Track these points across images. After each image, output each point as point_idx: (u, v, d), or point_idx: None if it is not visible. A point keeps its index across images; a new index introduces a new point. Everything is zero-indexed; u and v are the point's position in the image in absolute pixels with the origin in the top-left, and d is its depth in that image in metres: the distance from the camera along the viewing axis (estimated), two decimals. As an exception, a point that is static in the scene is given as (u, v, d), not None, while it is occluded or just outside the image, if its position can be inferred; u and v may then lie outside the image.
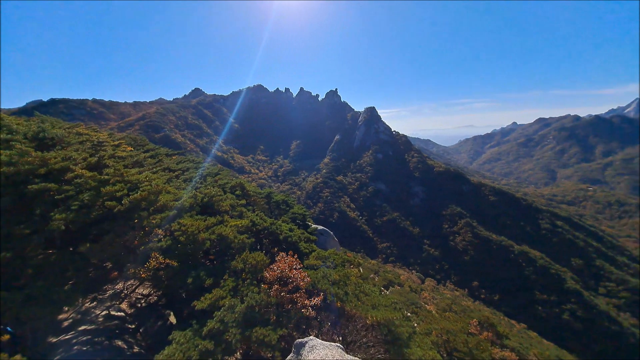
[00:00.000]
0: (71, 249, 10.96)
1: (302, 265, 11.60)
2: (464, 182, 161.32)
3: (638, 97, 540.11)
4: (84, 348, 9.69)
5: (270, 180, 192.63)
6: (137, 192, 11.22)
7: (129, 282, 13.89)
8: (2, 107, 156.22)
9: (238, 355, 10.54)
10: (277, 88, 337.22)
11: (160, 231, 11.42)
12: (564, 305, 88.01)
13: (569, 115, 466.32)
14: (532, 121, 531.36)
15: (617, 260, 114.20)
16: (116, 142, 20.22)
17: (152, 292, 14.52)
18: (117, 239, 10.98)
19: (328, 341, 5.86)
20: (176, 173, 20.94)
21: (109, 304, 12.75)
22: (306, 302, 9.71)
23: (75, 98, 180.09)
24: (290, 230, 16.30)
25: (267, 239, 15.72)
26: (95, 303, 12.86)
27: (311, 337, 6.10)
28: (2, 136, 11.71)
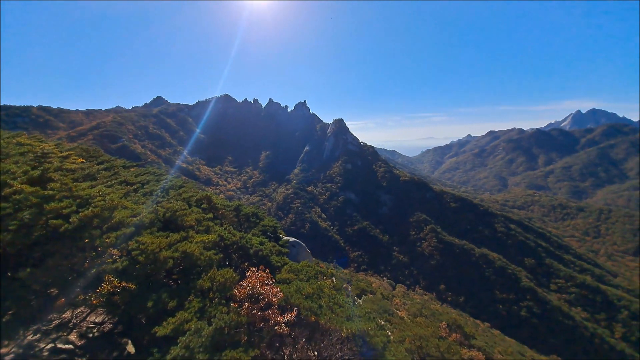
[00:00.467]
0: (9, 274, 9.58)
1: (274, 280, 11.19)
2: (427, 190, 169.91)
3: (573, 112, 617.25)
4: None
5: (239, 192, 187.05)
6: (87, 209, 10.16)
7: (79, 310, 12.36)
8: None
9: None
10: (246, 99, 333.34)
11: (115, 251, 10.38)
12: (521, 303, 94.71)
13: (515, 128, 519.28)
14: (484, 133, 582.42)
15: (564, 258, 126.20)
16: (64, 153, 18.32)
17: (107, 319, 13.05)
18: (63, 261, 9.78)
19: (303, 358, 5.61)
20: (135, 186, 19.45)
21: (55, 335, 11.19)
22: (279, 318, 9.32)
23: (18, 105, 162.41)
24: (261, 243, 15.77)
25: (236, 254, 15.03)
26: (39, 335, 11.26)
27: None
28: None
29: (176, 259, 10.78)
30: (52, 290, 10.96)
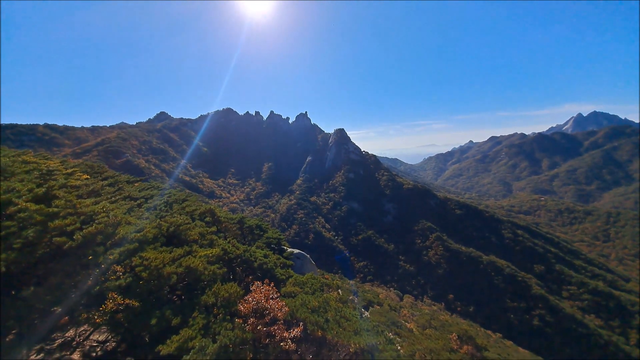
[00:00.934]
0: (13, 292, 9.52)
1: (279, 294, 10.98)
2: (431, 198, 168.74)
3: (574, 116, 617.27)
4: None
5: (242, 204, 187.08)
6: (91, 225, 10.14)
7: (82, 329, 12.19)
8: None
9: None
10: (247, 111, 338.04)
11: (118, 268, 10.28)
12: (533, 312, 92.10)
13: (516, 133, 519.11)
14: (486, 139, 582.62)
15: (574, 264, 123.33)
16: (69, 170, 18.49)
17: (110, 337, 12.83)
18: (66, 279, 9.70)
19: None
20: (138, 201, 19.48)
21: (58, 355, 10.99)
22: (285, 334, 9.07)
23: (24, 123, 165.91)
24: (265, 256, 15.59)
25: (240, 267, 14.84)
26: (42, 355, 11.08)
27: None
28: None
29: (180, 274, 10.64)
30: (55, 308, 10.85)
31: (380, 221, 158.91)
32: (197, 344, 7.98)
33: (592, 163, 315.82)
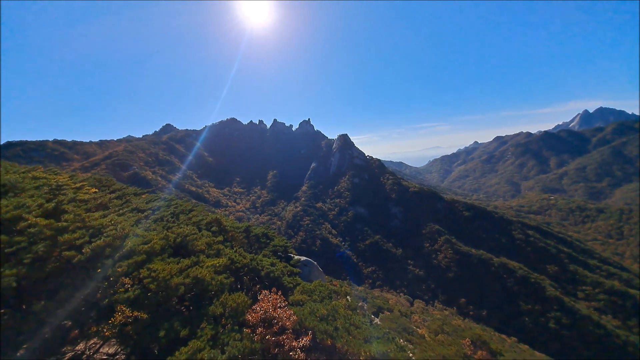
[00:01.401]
0: (24, 307, 9.63)
1: (287, 303, 10.89)
2: (438, 200, 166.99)
3: (580, 112, 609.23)
4: None
5: (248, 212, 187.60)
6: (100, 239, 10.25)
7: (92, 342, 12.23)
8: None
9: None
10: (251, 120, 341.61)
11: (127, 280, 10.34)
12: (548, 314, 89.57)
13: (522, 132, 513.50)
14: (491, 139, 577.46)
15: (589, 263, 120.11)
16: (78, 185, 18.82)
17: (119, 350, 12.83)
18: (76, 293, 9.78)
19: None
20: (145, 213, 19.66)
21: (68, 369, 11.02)
22: (294, 343, 8.97)
23: (34, 140, 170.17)
24: (272, 264, 15.53)
25: (247, 276, 14.80)
26: (53, 369, 11.10)
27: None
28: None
29: (187, 285, 10.65)
30: (65, 322, 10.92)
31: (387, 225, 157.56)
32: (206, 355, 7.93)
33: (602, 160, 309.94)
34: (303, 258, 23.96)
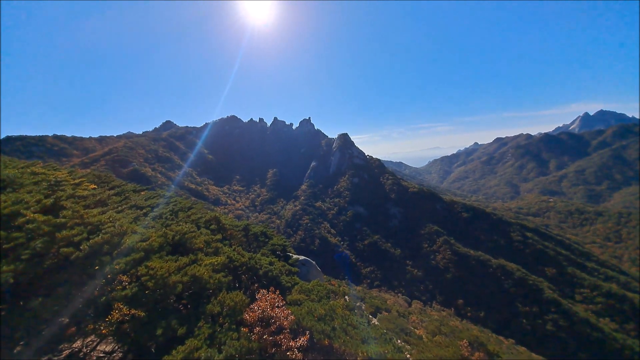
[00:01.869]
0: (22, 303, 9.59)
1: (284, 302, 10.87)
2: (437, 201, 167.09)
3: (580, 115, 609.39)
4: None
5: (247, 211, 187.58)
6: (98, 235, 10.21)
7: (89, 339, 12.20)
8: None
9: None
10: (251, 118, 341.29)
11: (125, 277, 10.31)
12: (545, 316, 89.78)
13: (522, 134, 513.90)
14: (491, 141, 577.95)
15: (587, 266, 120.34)
16: (77, 181, 18.76)
17: (116, 348, 12.82)
18: (73, 290, 9.74)
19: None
20: (144, 210, 19.62)
21: (65, 366, 10.99)
22: (291, 343, 8.95)
23: (34, 135, 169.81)
24: (271, 263, 15.51)
25: (245, 275, 14.77)
26: (50, 366, 11.07)
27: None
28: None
29: (185, 283, 10.61)
30: (62, 319, 10.89)
31: (386, 225, 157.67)
32: (203, 354, 7.90)
33: (601, 163, 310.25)
34: (301, 257, 23.96)
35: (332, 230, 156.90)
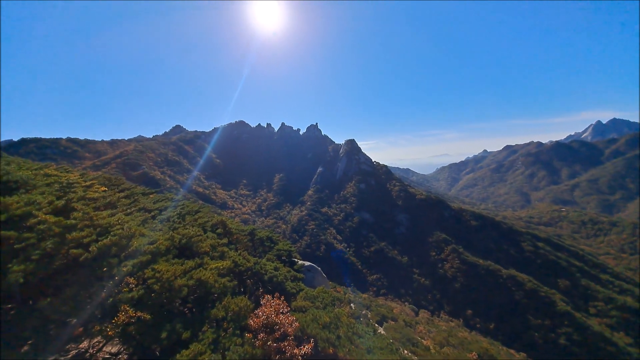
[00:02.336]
0: (31, 302, 9.73)
1: (289, 308, 10.75)
2: (445, 208, 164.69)
3: (593, 123, 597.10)
4: None
5: (254, 215, 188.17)
6: (106, 237, 10.33)
7: (95, 340, 12.27)
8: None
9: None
10: (259, 123, 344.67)
11: (131, 280, 10.37)
12: (558, 329, 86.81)
13: (533, 142, 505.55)
14: (501, 148, 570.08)
15: (601, 278, 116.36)
16: (88, 183, 19.13)
17: (122, 350, 12.85)
18: (82, 291, 9.83)
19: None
20: (152, 213, 19.84)
21: (72, 366, 11.04)
22: (295, 351, 8.81)
23: (48, 137, 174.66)
24: (276, 269, 15.42)
25: (250, 279, 14.71)
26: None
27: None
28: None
29: (191, 286, 10.62)
30: (70, 319, 10.98)
31: (393, 232, 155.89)
32: (207, 359, 7.84)
33: (615, 172, 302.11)
34: (307, 263, 23.79)
35: (338, 236, 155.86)
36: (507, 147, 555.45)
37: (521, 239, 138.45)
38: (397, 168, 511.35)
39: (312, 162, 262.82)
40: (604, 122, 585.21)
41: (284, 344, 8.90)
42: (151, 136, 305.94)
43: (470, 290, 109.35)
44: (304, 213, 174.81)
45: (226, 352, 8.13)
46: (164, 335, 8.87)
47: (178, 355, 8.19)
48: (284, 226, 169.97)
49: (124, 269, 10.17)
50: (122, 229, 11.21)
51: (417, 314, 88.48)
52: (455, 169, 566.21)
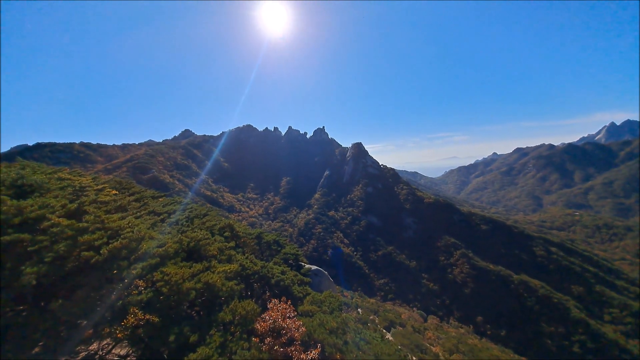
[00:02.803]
0: (43, 304, 9.93)
1: (296, 313, 10.70)
2: (454, 212, 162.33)
3: (606, 125, 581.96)
4: None
5: (261, 218, 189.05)
6: (117, 240, 10.50)
7: (105, 342, 12.44)
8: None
9: None
10: (266, 127, 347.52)
11: (141, 282, 10.50)
12: (572, 337, 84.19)
13: (544, 144, 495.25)
14: (511, 151, 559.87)
15: (616, 284, 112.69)
16: (100, 186, 19.55)
17: (130, 352, 12.99)
18: (92, 293, 10.00)
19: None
20: (162, 216, 20.11)
21: (82, 368, 11.20)
22: (302, 356, 8.76)
23: (62, 142, 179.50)
24: (283, 272, 15.41)
25: (257, 283, 14.73)
26: (67, 368, 11.33)
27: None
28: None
29: (199, 290, 10.69)
30: (81, 321, 11.17)
31: (401, 236, 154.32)
32: (214, 363, 7.85)
33: (630, 175, 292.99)
34: (314, 267, 23.71)
35: (345, 240, 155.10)
36: (518, 149, 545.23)
37: (533, 243, 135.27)
38: (405, 171, 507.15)
39: (319, 165, 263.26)
40: (618, 123, 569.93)
41: (291, 349, 8.86)
42: (161, 140, 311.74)
43: (480, 296, 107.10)
44: (310, 216, 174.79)
45: (233, 356, 8.13)
46: (172, 338, 8.93)
47: (185, 359, 8.23)
48: (290, 229, 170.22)
49: (134, 272, 10.31)
50: (132, 232, 11.38)
51: (425, 320, 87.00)
52: (465, 172, 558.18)
